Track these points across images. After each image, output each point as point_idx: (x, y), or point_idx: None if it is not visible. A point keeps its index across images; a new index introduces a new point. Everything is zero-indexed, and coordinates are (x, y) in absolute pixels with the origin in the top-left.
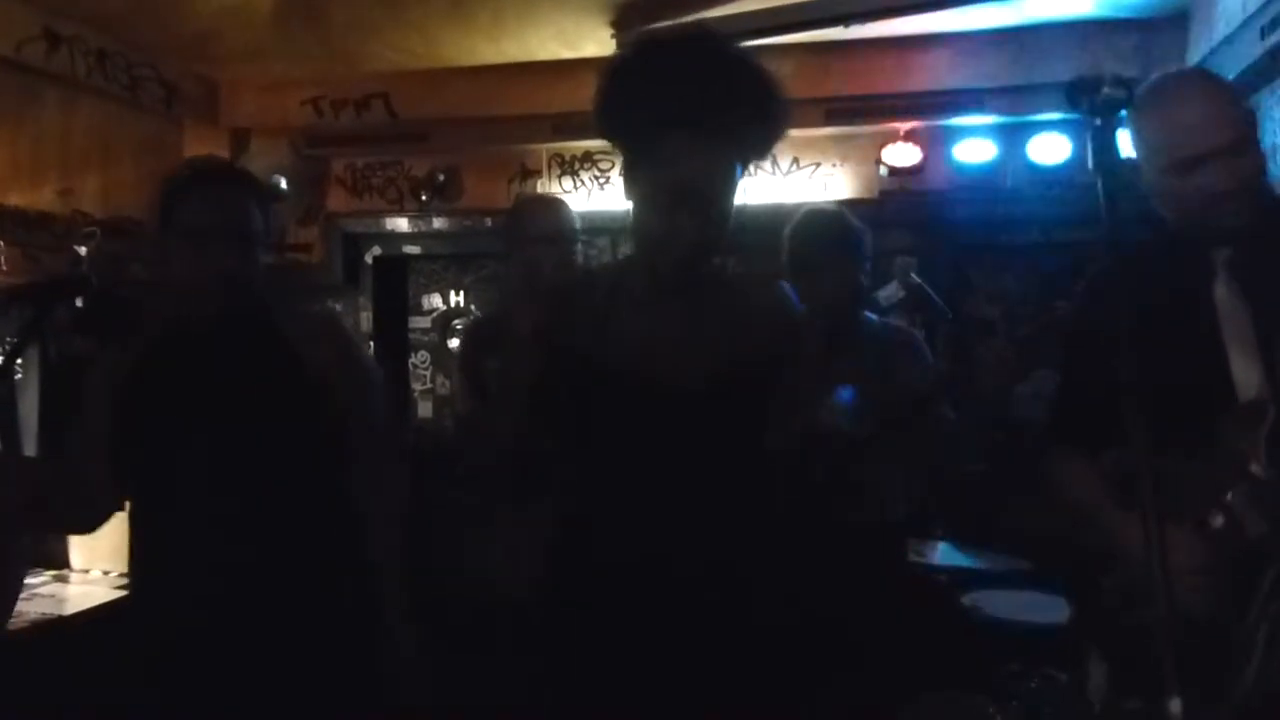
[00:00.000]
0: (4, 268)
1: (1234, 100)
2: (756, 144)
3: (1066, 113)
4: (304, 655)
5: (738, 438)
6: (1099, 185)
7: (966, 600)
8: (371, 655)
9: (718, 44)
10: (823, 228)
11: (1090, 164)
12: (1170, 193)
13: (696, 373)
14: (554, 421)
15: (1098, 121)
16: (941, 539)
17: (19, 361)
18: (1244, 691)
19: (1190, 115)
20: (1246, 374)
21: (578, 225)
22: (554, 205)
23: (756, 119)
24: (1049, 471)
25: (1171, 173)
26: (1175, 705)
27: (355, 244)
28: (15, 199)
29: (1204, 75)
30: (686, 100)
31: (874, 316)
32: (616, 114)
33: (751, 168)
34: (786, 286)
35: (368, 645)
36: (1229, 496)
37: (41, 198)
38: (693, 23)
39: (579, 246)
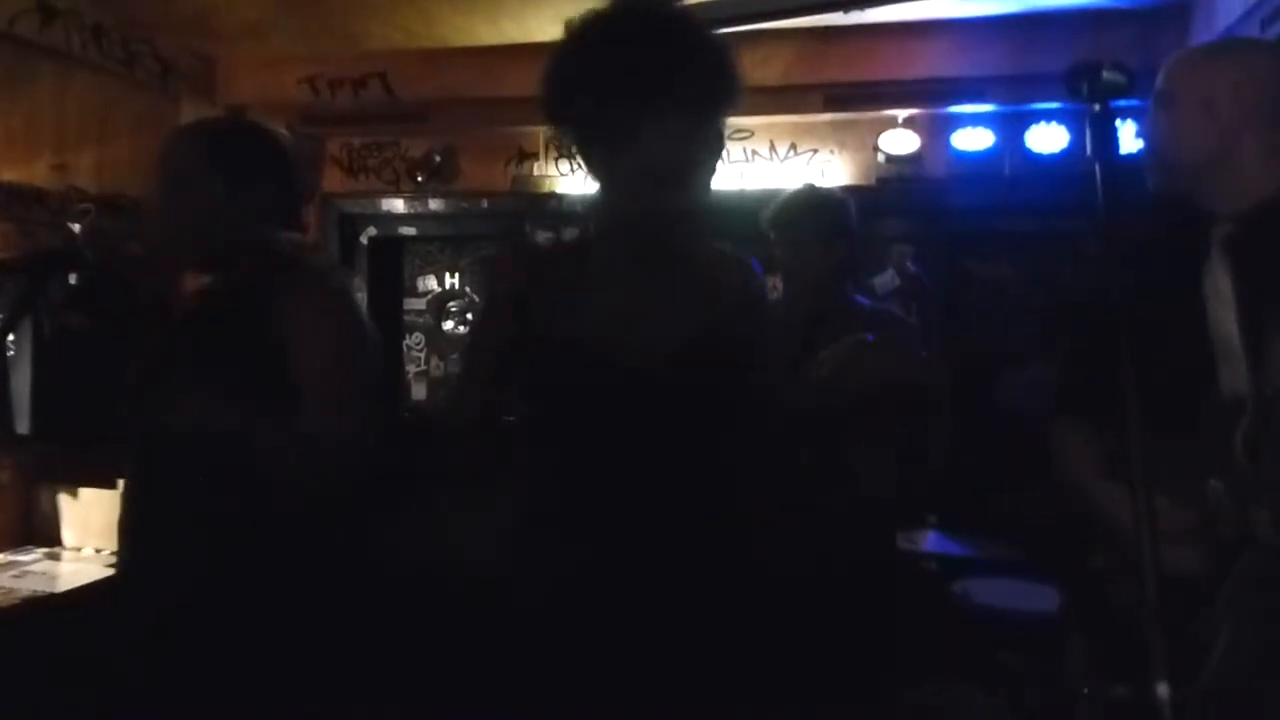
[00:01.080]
0: None
1: (1229, 70)
2: (721, 115)
3: (1065, 102)
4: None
5: (711, 415)
6: (1097, 170)
7: (956, 587)
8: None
9: (674, 16)
10: (805, 204)
11: (1089, 149)
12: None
13: (670, 349)
14: (521, 396)
15: (1096, 107)
16: (932, 526)
17: (11, 337)
18: (1202, 684)
19: (1175, 56)
20: (1229, 363)
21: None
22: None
23: (722, 90)
24: (1052, 441)
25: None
26: (1162, 690)
27: (351, 224)
28: (9, 174)
29: (1241, 39)
30: (662, 74)
31: (865, 301)
32: (578, 93)
33: (746, 152)
34: (756, 264)
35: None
36: (1210, 490)
37: (36, 173)
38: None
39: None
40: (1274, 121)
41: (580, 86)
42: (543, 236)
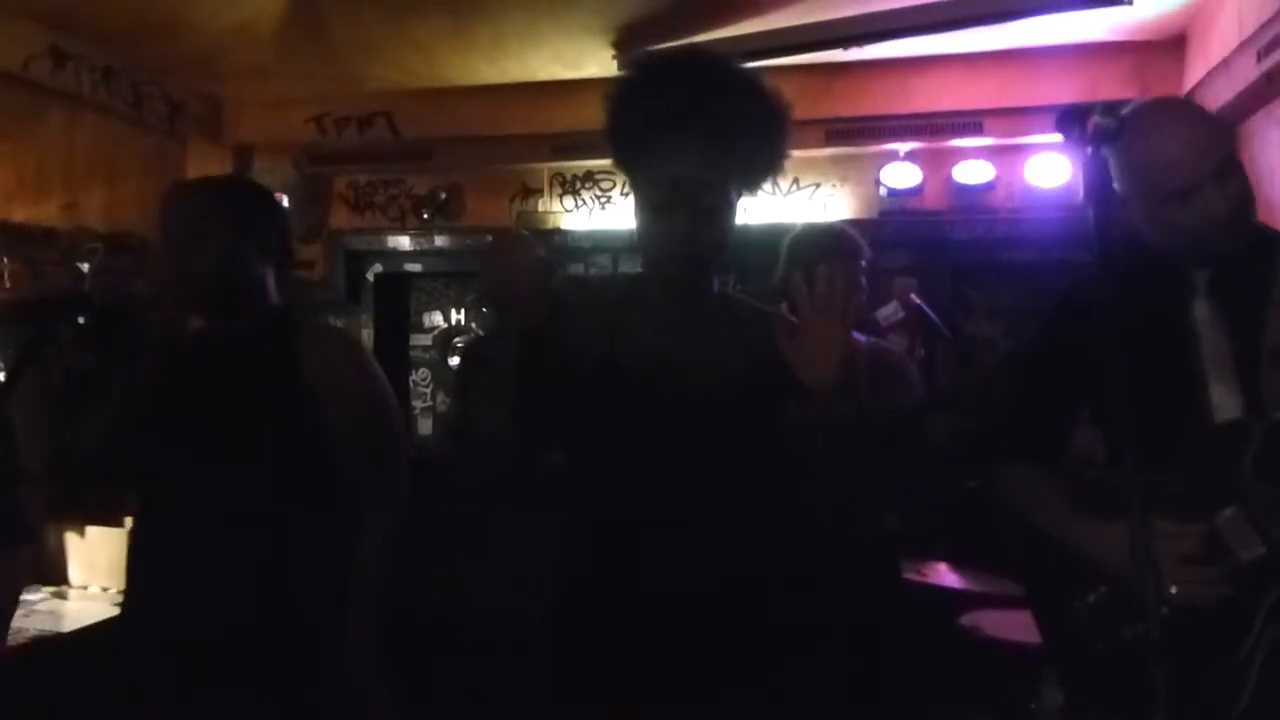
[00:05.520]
0: (7, 283)
1: (1214, 125)
2: (758, 159)
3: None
4: (269, 675)
5: (746, 448)
6: (1090, 213)
7: (965, 620)
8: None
9: (717, 60)
10: (821, 236)
11: (1081, 192)
12: (1163, 222)
13: (706, 382)
14: (563, 429)
15: (1088, 150)
16: (941, 559)
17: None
18: (1238, 711)
19: (1174, 148)
20: (1224, 395)
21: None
22: (523, 245)
23: (756, 133)
24: (1009, 486)
25: (1163, 204)
26: None
27: (357, 261)
28: (20, 214)
29: (1180, 104)
30: (680, 106)
31: (861, 336)
32: (619, 132)
33: (764, 188)
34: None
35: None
36: (1219, 519)
37: (46, 213)
38: (695, 43)
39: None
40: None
41: (630, 122)
42: (590, 271)
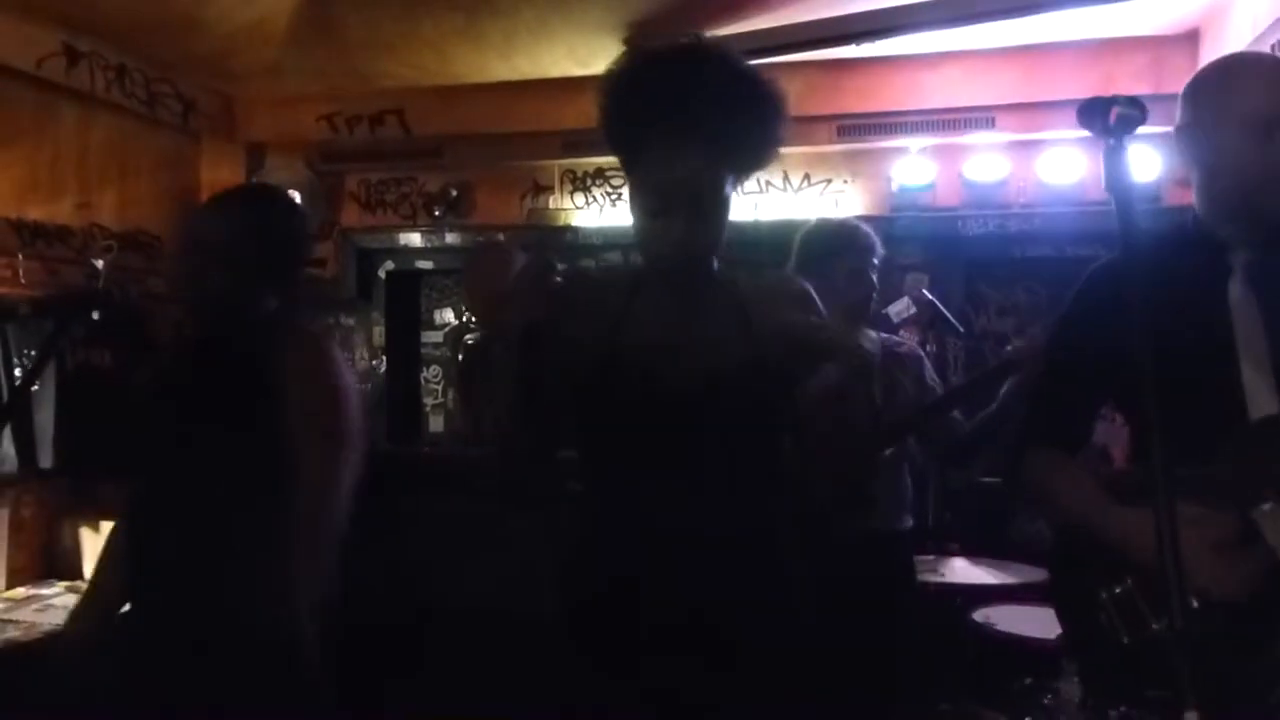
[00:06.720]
0: (23, 280)
1: None
2: (752, 150)
3: (1077, 130)
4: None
5: (753, 439)
6: (1113, 205)
7: (979, 615)
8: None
9: (709, 52)
10: (833, 233)
11: (1104, 184)
12: (1239, 159)
13: (711, 373)
14: (569, 426)
15: (1110, 141)
16: (956, 553)
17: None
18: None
19: (1266, 80)
20: (1259, 388)
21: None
22: (500, 256)
23: (749, 124)
24: (1033, 474)
25: (1245, 137)
26: (1191, 717)
27: (368, 259)
28: (35, 212)
29: (1269, 54)
30: (674, 104)
31: (873, 333)
32: (612, 124)
33: (760, 182)
34: (809, 285)
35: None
36: (1255, 514)
37: (60, 211)
38: (688, 35)
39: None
40: None
41: (622, 116)
42: (593, 265)
